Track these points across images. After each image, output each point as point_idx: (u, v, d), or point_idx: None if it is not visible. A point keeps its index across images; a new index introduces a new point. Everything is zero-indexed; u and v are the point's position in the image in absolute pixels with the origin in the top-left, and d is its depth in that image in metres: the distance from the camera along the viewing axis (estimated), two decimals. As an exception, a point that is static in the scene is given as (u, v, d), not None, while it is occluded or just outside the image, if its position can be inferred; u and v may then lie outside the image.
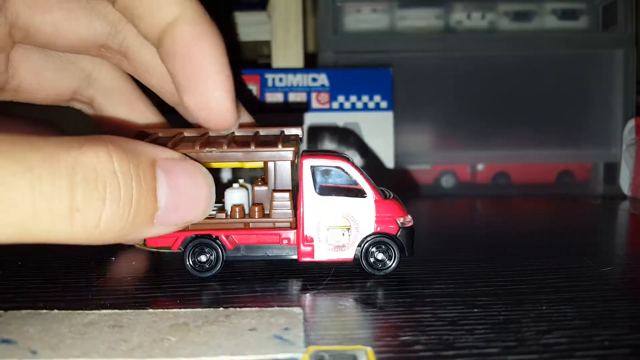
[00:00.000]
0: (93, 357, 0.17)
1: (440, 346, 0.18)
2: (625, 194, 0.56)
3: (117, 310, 0.21)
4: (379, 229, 0.26)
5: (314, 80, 0.53)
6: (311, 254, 0.26)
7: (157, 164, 0.20)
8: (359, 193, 0.26)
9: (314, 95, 0.53)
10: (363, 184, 0.26)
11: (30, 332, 0.19)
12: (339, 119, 0.53)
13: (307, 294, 0.24)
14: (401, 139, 0.57)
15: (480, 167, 0.61)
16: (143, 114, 0.30)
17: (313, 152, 0.28)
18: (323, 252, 0.26)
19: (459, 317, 0.21)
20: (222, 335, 0.19)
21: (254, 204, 0.27)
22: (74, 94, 0.29)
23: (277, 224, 0.26)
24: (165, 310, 0.21)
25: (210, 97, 0.24)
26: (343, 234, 0.26)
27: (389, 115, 0.53)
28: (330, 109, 0.53)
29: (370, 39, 0.60)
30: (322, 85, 0.53)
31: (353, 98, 0.53)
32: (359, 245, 0.26)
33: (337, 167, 0.27)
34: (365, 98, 0.53)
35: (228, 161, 0.26)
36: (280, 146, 0.25)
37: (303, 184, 0.26)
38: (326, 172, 0.27)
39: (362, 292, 0.24)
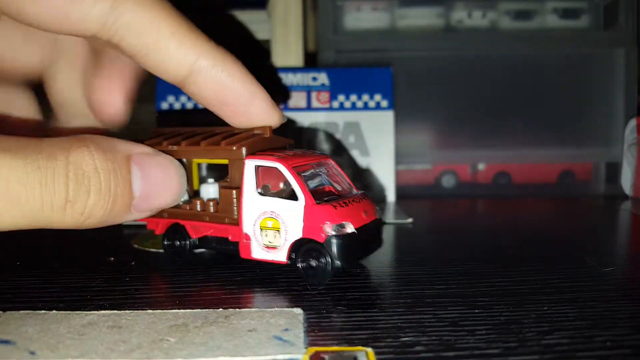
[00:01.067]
0: (92, 357, 0.17)
1: (441, 347, 0.18)
2: (626, 194, 0.56)
3: (116, 311, 0.21)
4: (305, 234, 0.25)
5: (314, 79, 0.53)
6: (249, 252, 0.26)
7: (132, 159, 0.23)
8: (294, 196, 0.26)
9: (314, 94, 0.53)
10: (296, 186, 0.25)
11: (29, 332, 0.19)
12: (339, 119, 0.53)
13: (307, 295, 0.24)
14: (402, 139, 0.56)
15: (481, 166, 0.61)
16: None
17: (265, 151, 0.27)
18: (258, 251, 0.26)
19: (460, 318, 0.21)
20: (222, 336, 0.19)
21: (209, 199, 0.28)
22: (48, 63, 0.29)
23: (227, 220, 0.27)
24: (164, 310, 0.21)
25: (256, 119, 0.27)
26: (275, 235, 0.26)
27: (390, 114, 0.53)
28: (331, 108, 0.53)
29: (371, 37, 0.59)
30: (322, 85, 0.53)
31: (353, 97, 0.53)
32: (292, 250, 0.25)
33: (274, 168, 0.26)
34: (365, 97, 0.53)
35: (193, 157, 0.28)
36: (234, 147, 0.26)
37: (244, 182, 0.26)
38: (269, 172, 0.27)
39: (362, 293, 0.24)
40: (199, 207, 0.28)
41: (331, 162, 0.29)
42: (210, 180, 0.29)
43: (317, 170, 0.28)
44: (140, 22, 0.23)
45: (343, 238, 0.25)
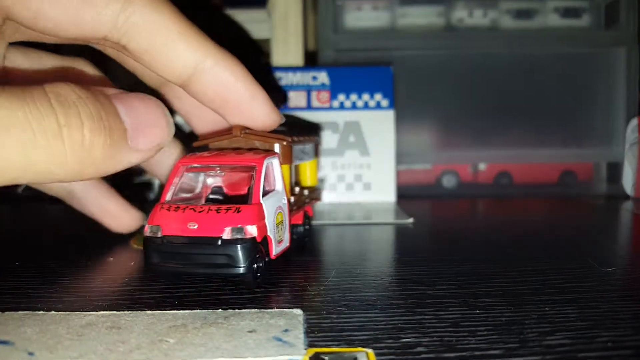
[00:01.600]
0: (91, 358, 0.17)
1: (442, 348, 0.18)
2: (628, 194, 0.56)
3: (115, 312, 0.21)
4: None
5: (314, 78, 0.53)
6: None
7: (112, 97, 0.21)
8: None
9: (314, 93, 0.53)
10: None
11: (28, 333, 0.19)
12: (340, 118, 0.53)
13: (307, 296, 0.24)
14: (402, 138, 0.56)
15: (482, 166, 0.61)
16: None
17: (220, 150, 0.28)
18: None
19: (461, 319, 0.21)
20: (221, 337, 0.19)
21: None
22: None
23: None
24: (164, 311, 0.21)
25: (256, 119, 0.27)
26: None
27: (390, 113, 0.53)
28: (331, 108, 0.53)
29: (371, 36, 0.59)
30: (323, 84, 0.53)
31: (354, 96, 0.53)
32: None
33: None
34: (366, 96, 0.53)
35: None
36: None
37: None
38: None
39: (362, 293, 0.24)
40: None
41: (262, 166, 0.26)
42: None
43: (217, 172, 0.28)
44: (149, 22, 0.23)
45: (148, 240, 0.24)
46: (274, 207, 0.26)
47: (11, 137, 0.18)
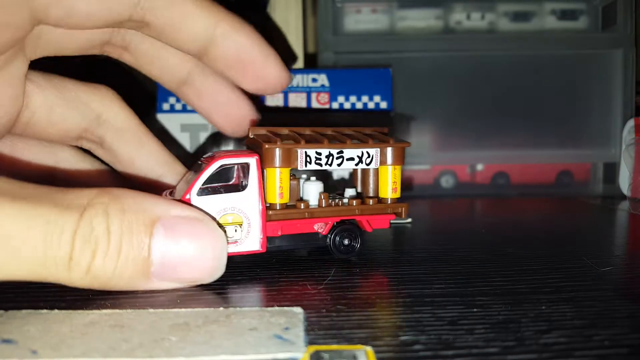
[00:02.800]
0: (94, 356, 0.17)
1: (440, 346, 0.18)
2: (624, 194, 0.56)
3: (117, 310, 0.21)
4: None
5: (314, 80, 0.53)
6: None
7: (160, 221, 0.21)
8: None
9: (314, 95, 0.53)
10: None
11: (31, 331, 0.19)
12: (339, 119, 0.53)
13: (307, 294, 0.24)
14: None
15: (479, 167, 0.62)
16: (153, 152, 0.32)
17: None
18: None
19: (458, 317, 0.21)
20: (223, 335, 0.19)
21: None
22: (84, 132, 0.31)
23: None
24: (166, 310, 0.21)
25: (271, 81, 0.29)
26: None
27: (388, 112, 0.53)
28: (330, 109, 0.53)
29: (370, 39, 0.60)
30: (322, 86, 0.53)
31: (353, 98, 0.53)
32: None
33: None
34: (365, 98, 0.53)
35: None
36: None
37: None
38: None
39: (361, 292, 0.24)
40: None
41: (209, 167, 0.27)
42: (312, 178, 0.30)
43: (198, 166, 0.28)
44: None
45: None
46: (218, 206, 0.26)
47: (20, 259, 0.19)
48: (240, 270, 0.28)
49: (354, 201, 0.30)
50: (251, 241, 0.27)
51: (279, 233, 0.28)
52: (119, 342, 0.18)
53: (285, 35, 0.60)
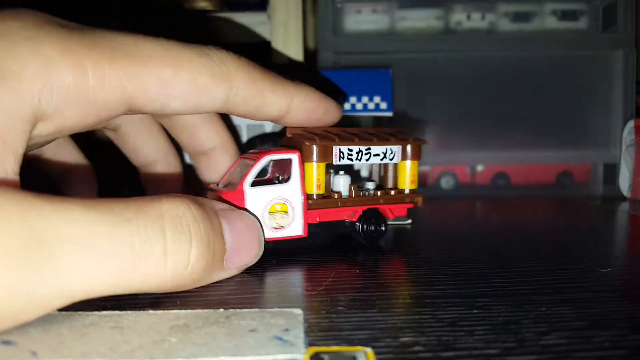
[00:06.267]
0: (94, 358, 0.17)
1: (440, 347, 0.18)
2: (624, 195, 0.56)
3: (117, 312, 0.21)
4: None
5: (314, 81, 0.53)
6: None
7: (219, 212, 0.23)
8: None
9: (313, 96, 0.53)
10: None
11: (31, 332, 0.19)
12: (342, 119, 0.53)
13: (307, 295, 0.24)
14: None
15: (479, 168, 0.62)
16: (159, 142, 0.36)
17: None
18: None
19: (458, 318, 0.21)
20: (223, 336, 0.19)
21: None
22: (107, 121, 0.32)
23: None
24: (166, 311, 0.21)
25: (329, 122, 0.33)
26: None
27: (389, 116, 0.53)
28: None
29: (370, 39, 0.60)
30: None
31: (353, 99, 0.53)
32: None
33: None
34: (365, 99, 0.53)
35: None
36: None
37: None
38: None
39: (361, 293, 0.24)
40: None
41: (258, 162, 0.30)
42: (341, 172, 0.33)
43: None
44: (252, 91, 0.28)
45: None
46: (268, 196, 0.29)
47: (108, 261, 0.18)
48: (240, 272, 0.28)
49: (379, 192, 0.33)
50: (295, 227, 0.30)
51: (318, 220, 0.31)
52: (118, 343, 0.18)
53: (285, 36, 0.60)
